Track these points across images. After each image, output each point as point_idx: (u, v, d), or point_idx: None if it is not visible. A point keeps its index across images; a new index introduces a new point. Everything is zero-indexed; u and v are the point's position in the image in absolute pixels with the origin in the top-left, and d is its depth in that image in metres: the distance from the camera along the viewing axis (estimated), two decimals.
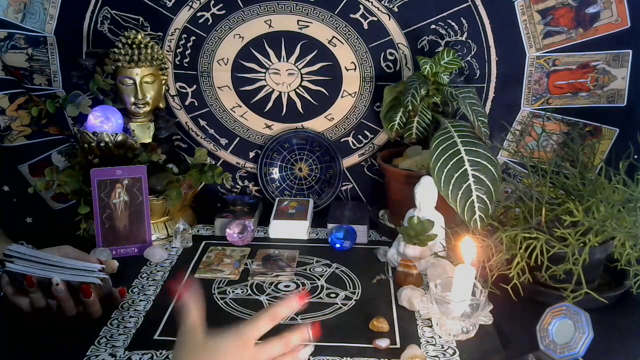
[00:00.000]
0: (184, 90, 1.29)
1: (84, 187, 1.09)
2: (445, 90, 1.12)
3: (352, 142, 1.31)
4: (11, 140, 1.25)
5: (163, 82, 1.19)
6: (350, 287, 0.99)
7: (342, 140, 1.31)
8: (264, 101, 1.28)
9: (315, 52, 1.23)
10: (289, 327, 0.86)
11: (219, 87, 1.28)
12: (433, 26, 1.19)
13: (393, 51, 1.22)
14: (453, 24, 1.18)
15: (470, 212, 0.97)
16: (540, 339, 0.81)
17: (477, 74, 1.20)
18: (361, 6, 1.19)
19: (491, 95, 1.21)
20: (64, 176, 1.08)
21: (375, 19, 1.20)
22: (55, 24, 1.23)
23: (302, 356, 0.72)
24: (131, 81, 1.14)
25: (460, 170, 0.98)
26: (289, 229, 1.17)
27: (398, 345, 0.83)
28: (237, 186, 1.36)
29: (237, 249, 1.12)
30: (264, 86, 1.27)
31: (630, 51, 1.13)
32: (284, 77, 1.26)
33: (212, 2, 1.21)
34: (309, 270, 1.05)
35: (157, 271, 1.04)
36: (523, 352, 0.80)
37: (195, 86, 1.28)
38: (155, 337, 0.84)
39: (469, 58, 1.20)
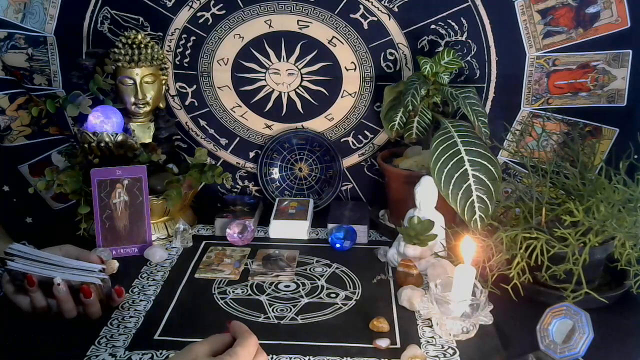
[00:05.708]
0: (184, 90, 1.29)
1: (84, 187, 1.09)
2: (445, 90, 1.12)
3: (352, 142, 1.31)
4: (11, 140, 1.25)
5: (163, 82, 1.19)
6: (350, 287, 0.99)
7: (342, 140, 1.31)
8: (264, 101, 1.28)
9: (315, 52, 1.23)
10: (289, 328, 0.87)
11: (219, 87, 1.28)
12: (433, 26, 1.19)
13: (393, 51, 1.22)
14: (453, 24, 1.18)
15: (470, 212, 0.97)
16: (540, 339, 0.81)
17: (477, 74, 1.20)
18: (361, 6, 1.19)
19: (491, 95, 1.21)
20: (64, 176, 1.08)
21: (375, 19, 1.20)
22: (55, 24, 1.23)
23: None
24: (131, 81, 1.14)
25: (461, 170, 0.98)
26: (289, 229, 1.17)
27: (398, 345, 0.83)
28: (237, 186, 1.36)
29: (237, 249, 1.12)
30: (264, 86, 1.27)
31: (630, 51, 1.13)
32: (284, 77, 1.26)
33: (212, 2, 1.21)
34: (309, 270, 1.05)
35: (157, 271, 1.04)
36: (523, 352, 0.80)
37: (195, 86, 1.28)
38: (155, 337, 0.84)
39: (469, 58, 1.20)
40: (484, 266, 0.90)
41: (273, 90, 1.27)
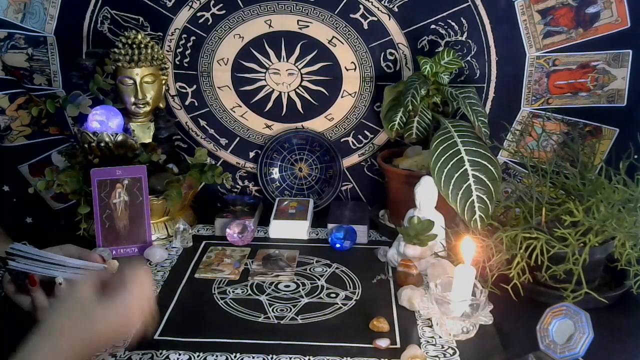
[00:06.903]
0: (184, 90, 1.29)
1: (84, 187, 1.09)
2: (445, 90, 1.12)
3: (352, 142, 1.31)
4: (11, 140, 1.25)
5: (163, 82, 1.19)
6: (350, 287, 0.99)
7: (342, 140, 1.31)
8: (264, 101, 1.28)
9: (315, 52, 1.23)
10: (289, 328, 0.87)
11: (219, 87, 1.28)
12: (433, 26, 1.19)
13: (393, 51, 1.22)
14: (453, 24, 1.18)
15: (470, 212, 0.97)
16: (541, 339, 0.81)
17: (477, 74, 1.20)
18: (361, 6, 1.19)
19: (491, 95, 1.21)
20: (64, 176, 1.08)
21: (375, 19, 1.20)
22: (55, 24, 1.23)
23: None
24: (131, 81, 1.14)
25: (460, 170, 0.98)
26: (289, 229, 1.17)
27: (398, 345, 0.83)
28: (237, 186, 1.36)
29: (237, 249, 1.12)
30: (264, 86, 1.27)
31: (630, 51, 1.13)
32: (284, 77, 1.26)
33: (212, 2, 1.21)
34: (309, 270, 1.05)
35: (157, 271, 1.04)
36: (523, 352, 0.80)
37: (195, 86, 1.28)
38: (156, 337, 0.84)
39: (469, 58, 1.20)
40: (484, 266, 0.90)
41: (273, 90, 1.27)
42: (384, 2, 1.18)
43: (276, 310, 0.92)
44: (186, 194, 1.17)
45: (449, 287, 0.85)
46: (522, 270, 0.89)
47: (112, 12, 1.23)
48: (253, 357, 0.80)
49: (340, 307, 0.93)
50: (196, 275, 1.02)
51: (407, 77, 1.21)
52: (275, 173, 1.33)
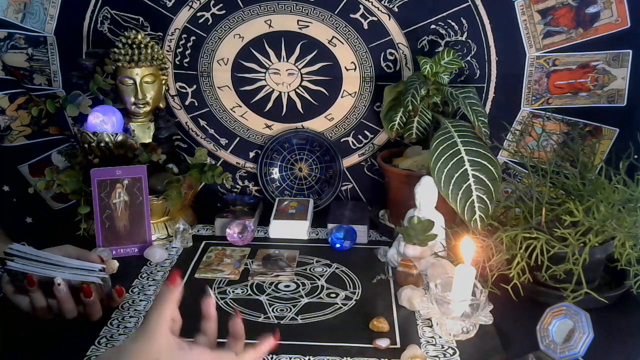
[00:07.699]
0: (184, 90, 1.29)
1: (84, 187, 1.09)
2: (445, 90, 1.12)
3: (352, 142, 1.31)
4: (11, 140, 1.25)
5: (163, 82, 1.19)
6: (350, 287, 0.99)
7: (342, 140, 1.31)
8: (264, 101, 1.28)
9: (315, 52, 1.23)
10: (289, 328, 0.87)
11: (219, 87, 1.28)
12: (433, 26, 1.19)
13: (393, 51, 1.22)
14: (453, 24, 1.18)
15: (470, 212, 0.97)
16: (541, 339, 0.81)
17: (477, 74, 1.20)
18: (361, 6, 1.19)
19: (491, 95, 1.21)
20: (64, 176, 1.08)
21: (375, 19, 1.20)
22: (55, 24, 1.23)
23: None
24: (131, 81, 1.14)
25: (460, 170, 0.98)
26: (289, 229, 1.17)
27: (398, 345, 0.83)
28: (237, 186, 1.36)
29: (237, 249, 1.12)
30: (264, 86, 1.27)
31: (630, 51, 1.13)
32: (284, 77, 1.26)
33: (212, 2, 1.21)
34: (309, 270, 1.05)
35: (157, 271, 1.04)
36: (523, 352, 0.80)
37: (195, 86, 1.28)
38: None
39: (469, 58, 1.20)
40: (484, 266, 0.90)
41: (273, 90, 1.27)
42: (384, 2, 1.18)
43: (276, 310, 0.92)
44: (186, 194, 1.17)
45: (449, 287, 0.85)
46: (522, 270, 0.89)
47: (112, 12, 1.23)
48: None
49: (340, 307, 0.93)
50: (196, 275, 1.02)
51: (407, 77, 1.21)
52: (275, 173, 1.33)
